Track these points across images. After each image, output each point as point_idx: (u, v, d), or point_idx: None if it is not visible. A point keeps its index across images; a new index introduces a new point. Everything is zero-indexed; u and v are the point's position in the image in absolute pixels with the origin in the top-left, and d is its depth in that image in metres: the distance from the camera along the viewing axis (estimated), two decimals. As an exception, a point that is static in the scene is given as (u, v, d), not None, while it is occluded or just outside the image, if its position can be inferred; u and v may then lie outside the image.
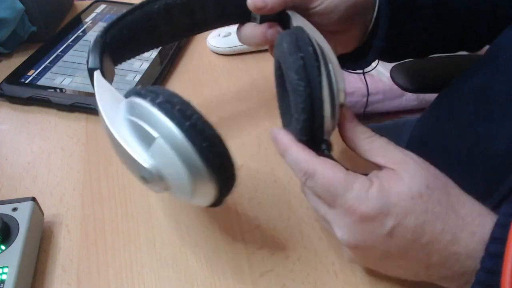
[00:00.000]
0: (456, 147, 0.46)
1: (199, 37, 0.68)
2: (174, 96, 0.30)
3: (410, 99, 1.58)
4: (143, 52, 0.41)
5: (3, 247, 0.35)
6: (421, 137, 0.55)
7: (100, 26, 0.66)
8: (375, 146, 0.34)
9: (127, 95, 0.32)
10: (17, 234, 0.35)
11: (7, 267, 0.33)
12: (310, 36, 0.34)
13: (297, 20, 0.40)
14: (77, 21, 0.67)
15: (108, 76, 0.35)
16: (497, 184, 0.38)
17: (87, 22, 0.67)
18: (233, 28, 0.65)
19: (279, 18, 0.41)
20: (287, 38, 0.34)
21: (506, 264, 0.27)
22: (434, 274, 0.31)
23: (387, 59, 0.51)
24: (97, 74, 0.34)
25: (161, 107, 0.29)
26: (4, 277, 0.33)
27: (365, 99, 1.54)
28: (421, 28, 0.46)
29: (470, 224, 0.29)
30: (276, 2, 0.39)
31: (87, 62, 0.35)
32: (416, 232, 0.29)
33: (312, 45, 0.33)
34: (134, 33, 0.37)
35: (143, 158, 0.30)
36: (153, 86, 0.31)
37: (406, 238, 0.30)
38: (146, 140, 0.30)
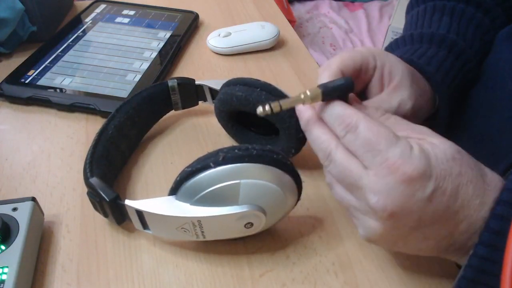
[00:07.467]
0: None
1: (199, 37, 0.68)
2: (218, 151, 0.34)
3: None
4: (121, 168, 0.46)
5: (3, 247, 0.35)
6: None
7: (100, 26, 0.66)
8: (393, 121, 0.33)
9: (174, 191, 0.35)
10: (17, 234, 0.35)
11: (7, 267, 0.33)
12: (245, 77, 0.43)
13: (212, 84, 0.48)
14: (77, 21, 0.67)
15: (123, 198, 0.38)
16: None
17: (87, 22, 0.67)
18: (233, 28, 0.65)
19: (197, 99, 0.51)
20: (235, 89, 0.42)
21: (506, 261, 0.26)
22: (456, 243, 0.31)
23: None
24: (127, 202, 0.36)
25: (222, 162, 0.33)
26: (4, 277, 0.33)
27: (365, 99, 1.54)
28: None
29: (493, 190, 0.30)
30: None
31: (102, 198, 0.37)
32: (452, 196, 0.29)
33: (257, 79, 0.41)
34: (109, 159, 0.43)
35: (238, 208, 0.34)
36: (185, 172, 0.34)
37: (443, 202, 0.29)
38: (230, 194, 0.33)
